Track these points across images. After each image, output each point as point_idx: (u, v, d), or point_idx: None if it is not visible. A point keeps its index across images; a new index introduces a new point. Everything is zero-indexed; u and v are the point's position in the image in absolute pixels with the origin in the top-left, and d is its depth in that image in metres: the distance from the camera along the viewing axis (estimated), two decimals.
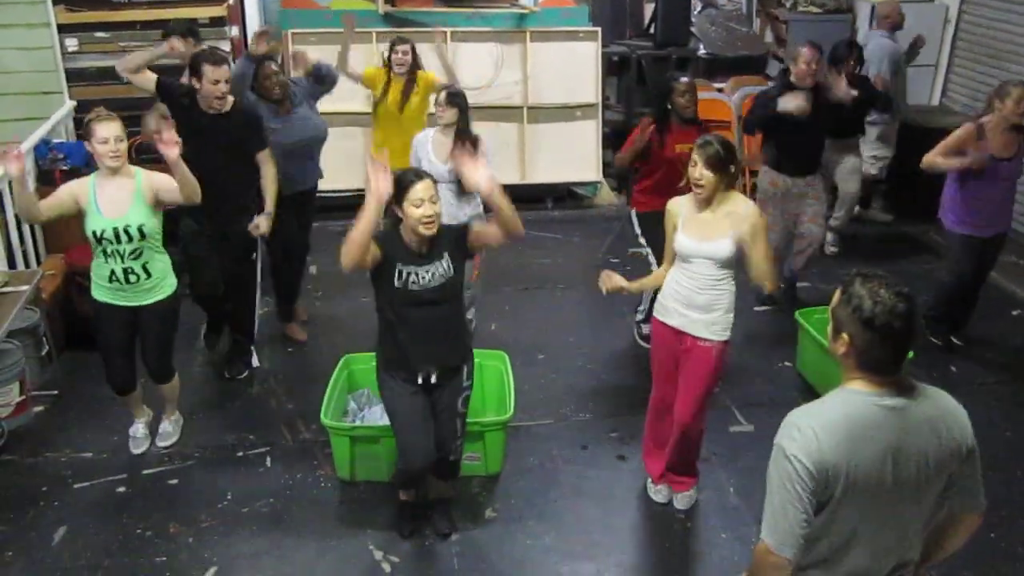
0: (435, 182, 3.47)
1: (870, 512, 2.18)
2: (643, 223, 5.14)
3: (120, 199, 3.96)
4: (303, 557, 3.83)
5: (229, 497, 4.18)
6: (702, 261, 3.69)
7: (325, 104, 5.50)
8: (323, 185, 5.66)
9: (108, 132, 3.89)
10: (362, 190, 5.95)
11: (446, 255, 3.50)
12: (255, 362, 5.23)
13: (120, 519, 4.02)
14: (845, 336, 2.15)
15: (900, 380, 2.17)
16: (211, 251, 4.86)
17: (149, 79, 4.64)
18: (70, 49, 6.40)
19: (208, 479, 4.30)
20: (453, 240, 3.54)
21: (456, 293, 3.62)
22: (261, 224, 4.76)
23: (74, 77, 6.45)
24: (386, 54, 5.90)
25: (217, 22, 6.58)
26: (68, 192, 4.00)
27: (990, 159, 4.90)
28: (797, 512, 2.13)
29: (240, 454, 4.49)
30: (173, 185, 3.99)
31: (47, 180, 5.61)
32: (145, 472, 4.34)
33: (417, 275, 3.45)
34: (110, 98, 6.24)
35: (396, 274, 3.44)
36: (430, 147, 4.94)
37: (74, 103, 6.38)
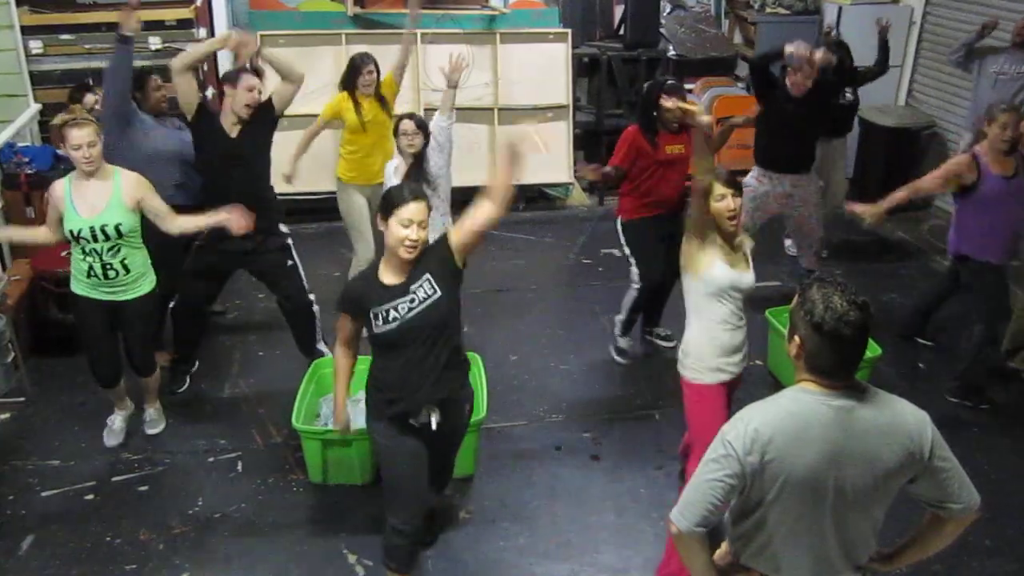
0: (427, 199, 3.16)
1: (809, 515, 2.20)
2: (628, 232, 5.01)
3: (96, 199, 3.97)
4: (276, 562, 3.81)
5: (200, 503, 4.14)
6: (738, 296, 3.50)
7: (292, 106, 5.44)
8: (289, 188, 5.62)
9: (81, 139, 3.88)
10: (331, 192, 5.92)
11: (427, 276, 3.12)
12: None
13: (89, 527, 3.97)
14: (797, 338, 2.18)
15: (853, 383, 2.19)
16: (226, 265, 4.81)
17: (194, 91, 4.40)
18: (34, 51, 6.31)
19: (179, 485, 4.26)
20: (435, 258, 3.15)
21: (447, 320, 3.18)
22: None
23: (39, 80, 6.36)
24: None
25: (185, 24, 6.52)
26: (53, 200, 4.02)
27: (996, 179, 4.71)
28: (709, 493, 2.19)
29: (211, 459, 4.45)
30: (154, 200, 4.09)
31: (11, 184, 5.54)
32: (114, 479, 4.29)
33: (398, 308, 3.10)
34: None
35: (373, 319, 3.12)
36: (392, 174, 4.85)
37: (39, 106, 6.30)
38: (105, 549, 3.85)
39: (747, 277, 3.51)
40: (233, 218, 4.06)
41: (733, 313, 3.51)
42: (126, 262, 4.08)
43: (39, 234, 4.17)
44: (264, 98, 4.56)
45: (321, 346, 5.05)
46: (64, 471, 4.34)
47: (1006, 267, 4.93)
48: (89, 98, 5.57)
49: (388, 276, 3.16)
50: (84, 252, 4.01)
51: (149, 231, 4.19)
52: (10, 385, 4.98)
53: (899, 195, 4.77)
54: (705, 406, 3.54)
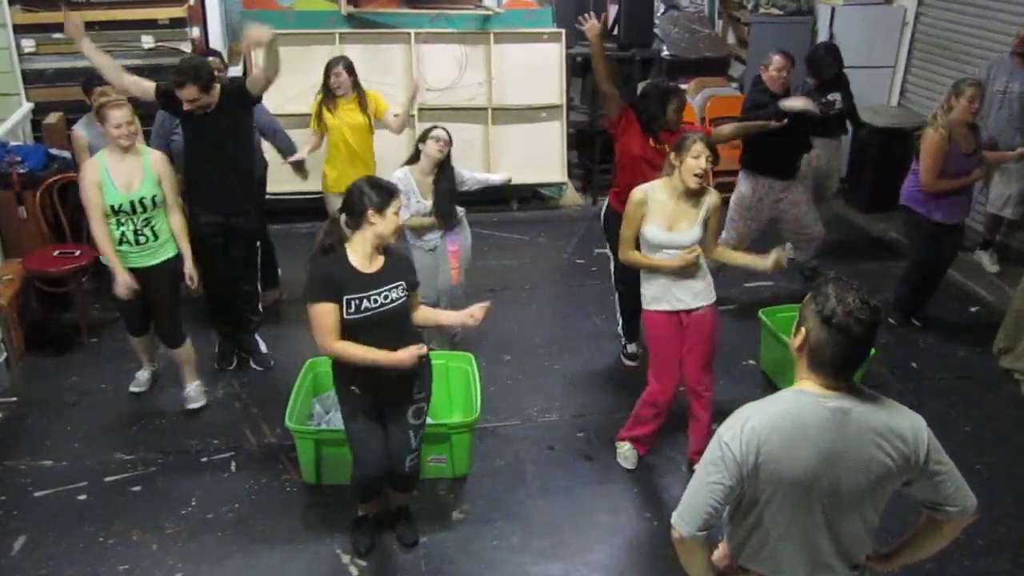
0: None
1: (803, 516, 2.21)
2: (609, 225, 5.06)
3: (131, 175, 4.31)
4: (269, 562, 3.80)
5: (193, 503, 4.13)
6: (671, 250, 3.89)
7: (280, 106, 5.43)
8: (282, 188, 5.62)
9: (121, 117, 4.20)
10: (317, 192, 5.92)
11: (401, 283, 3.46)
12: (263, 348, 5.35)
13: (82, 527, 3.96)
14: (803, 330, 2.18)
15: (851, 386, 2.19)
16: (226, 242, 4.95)
17: (145, 88, 4.61)
18: (27, 50, 6.31)
19: (172, 485, 4.25)
20: (403, 274, 3.50)
21: (406, 314, 3.55)
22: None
23: (31, 78, 6.36)
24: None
25: (178, 23, 6.51)
26: (91, 185, 4.24)
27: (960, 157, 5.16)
28: (708, 495, 2.19)
29: (204, 459, 4.44)
30: (168, 184, 4.43)
31: (3, 184, 5.52)
32: (107, 479, 4.28)
33: (372, 299, 3.38)
34: (68, 100, 6.19)
35: (346, 305, 3.35)
36: (415, 187, 4.84)
37: (31, 105, 6.29)
38: (98, 549, 3.84)
39: (686, 235, 3.87)
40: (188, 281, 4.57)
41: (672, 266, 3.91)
42: (155, 228, 4.41)
43: (107, 230, 4.33)
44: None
45: (260, 340, 5.34)
46: (57, 471, 4.33)
47: (957, 228, 5.44)
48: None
49: (359, 262, 3.40)
50: (119, 223, 4.32)
51: None
52: (2, 385, 4.96)
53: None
54: (651, 330, 4.11)
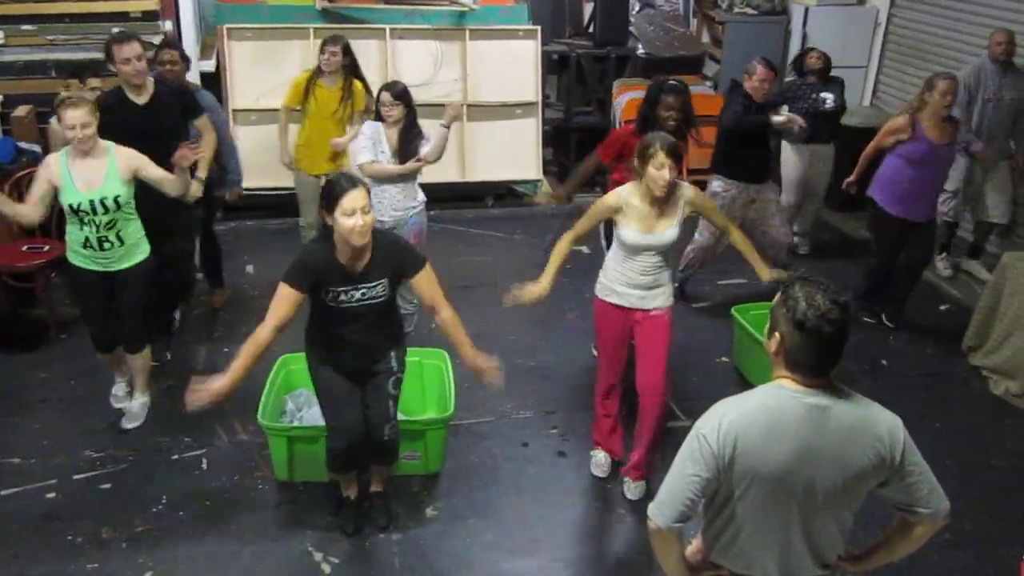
0: (368, 190, 3.33)
1: (776, 512, 2.22)
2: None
3: (93, 174, 4.06)
4: (241, 560, 3.77)
5: (164, 501, 4.09)
6: (648, 252, 3.85)
7: (256, 101, 5.40)
8: (255, 183, 5.57)
9: (75, 119, 3.94)
10: (289, 189, 5.92)
11: (385, 280, 3.44)
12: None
13: (50, 526, 3.91)
14: (777, 335, 2.19)
15: (829, 383, 2.20)
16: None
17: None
18: None
19: (142, 483, 4.21)
20: (394, 262, 3.45)
21: (390, 303, 3.57)
22: (193, 188, 4.69)
23: (0, 71, 6.26)
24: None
25: (150, 16, 6.44)
26: (44, 178, 4.06)
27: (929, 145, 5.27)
28: (685, 487, 2.21)
29: (175, 457, 4.40)
30: (152, 169, 4.18)
31: None
32: (76, 477, 4.23)
33: (348, 294, 3.40)
34: (38, 93, 6.11)
35: (325, 294, 3.40)
36: (383, 137, 4.90)
37: (0, 98, 6.19)
38: (67, 548, 3.79)
39: (664, 236, 3.82)
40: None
41: (645, 262, 3.87)
42: (121, 234, 4.19)
43: (22, 210, 4.13)
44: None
45: (177, 314, 5.37)
46: (24, 469, 4.27)
47: (926, 227, 5.54)
48: (93, 81, 5.48)
49: (345, 259, 3.35)
50: (82, 223, 4.10)
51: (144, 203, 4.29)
52: None
53: (858, 169, 5.60)
54: (600, 319, 4.09)
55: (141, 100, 4.59)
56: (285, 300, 3.33)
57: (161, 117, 4.63)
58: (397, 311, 3.72)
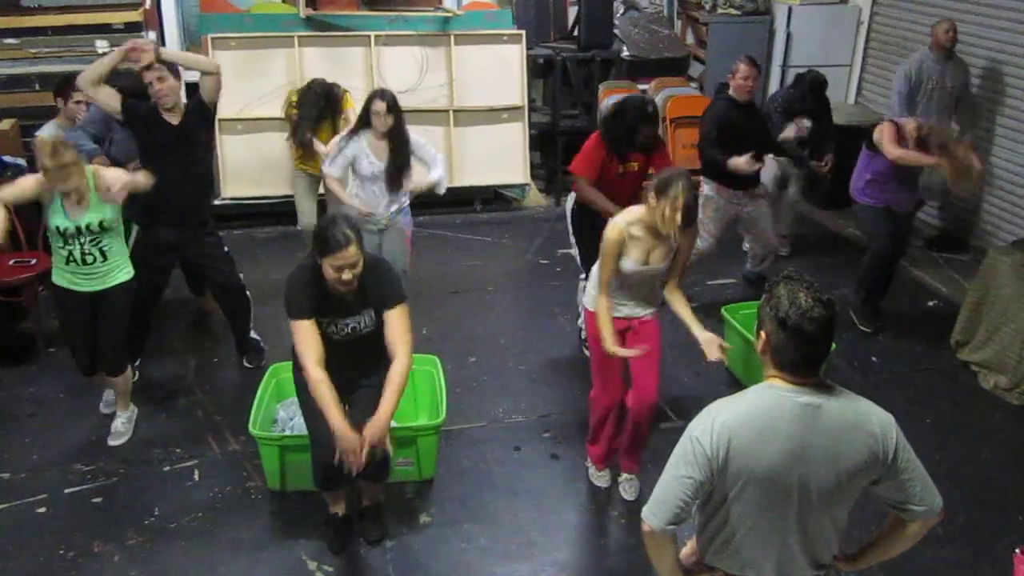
0: (359, 237, 3.33)
1: (771, 512, 2.22)
2: (576, 218, 5.09)
3: (80, 199, 4.08)
4: (234, 570, 3.76)
5: (156, 513, 4.07)
6: (643, 279, 3.86)
7: (241, 111, 5.39)
8: (242, 192, 5.57)
9: (68, 187, 3.98)
10: (278, 197, 5.91)
11: (370, 311, 3.49)
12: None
13: (41, 540, 3.89)
14: (763, 334, 2.20)
15: (820, 381, 2.21)
16: (167, 259, 4.91)
17: (112, 96, 4.44)
18: None
19: (133, 495, 4.19)
20: (379, 293, 3.47)
21: (377, 334, 3.52)
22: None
23: None
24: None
25: (133, 27, 6.43)
26: (32, 184, 4.06)
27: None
28: (679, 490, 2.21)
29: (167, 468, 4.38)
30: (106, 176, 4.14)
31: None
32: (67, 491, 4.20)
33: (336, 325, 3.46)
34: (21, 107, 6.08)
35: (316, 323, 3.43)
36: (368, 150, 4.94)
37: None
38: (59, 563, 3.77)
39: (660, 266, 3.82)
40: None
41: (639, 283, 3.88)
42: (104, 249, 4.20)
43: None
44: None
45: (254, 334, 5.25)
46: (15, 484, 4.25)
47: (905, 216, 5.73)
48: (77, 95, 5.42)
49: (334, 289, 3.38)
50: (66, 242, 4.13)
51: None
52: None
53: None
54: (593, 331, 3.96)
55: (174, 120, 4.57)
56: (305, 332, 3.38)
57: (196, 134, 4.67)
58: (384, 355, 3.63)
